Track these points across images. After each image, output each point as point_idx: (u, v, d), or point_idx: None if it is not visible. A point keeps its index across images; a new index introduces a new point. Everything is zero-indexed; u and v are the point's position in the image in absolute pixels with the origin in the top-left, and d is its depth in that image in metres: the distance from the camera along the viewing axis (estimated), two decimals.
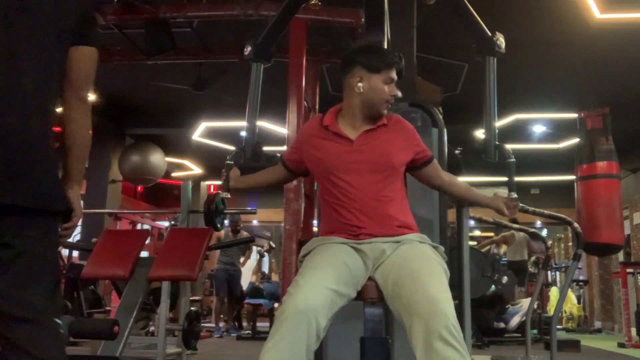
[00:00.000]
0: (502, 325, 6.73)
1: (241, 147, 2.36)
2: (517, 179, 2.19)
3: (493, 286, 6.69)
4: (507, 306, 6.88)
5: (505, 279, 7.02)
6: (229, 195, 2.21)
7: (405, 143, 1.95)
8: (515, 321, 6.60)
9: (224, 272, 7.51)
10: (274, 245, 8.89)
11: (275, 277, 9.48)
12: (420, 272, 1.66)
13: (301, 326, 1.56)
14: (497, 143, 2.20)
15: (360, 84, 1.90)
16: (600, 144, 3.69)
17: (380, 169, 1.89)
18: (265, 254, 9.11)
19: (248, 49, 2.45)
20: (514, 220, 7.00)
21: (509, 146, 2.17)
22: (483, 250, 9.97)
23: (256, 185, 2.25)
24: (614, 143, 3.71)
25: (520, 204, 3.58)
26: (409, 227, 1.89)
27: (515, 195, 2.13)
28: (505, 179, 2.22)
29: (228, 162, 2.24)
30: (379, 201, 1.87)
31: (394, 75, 1.92)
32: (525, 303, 6.57)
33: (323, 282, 1.66)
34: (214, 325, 7.72)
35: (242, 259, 8.11)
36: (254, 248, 8.93)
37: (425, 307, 1.55)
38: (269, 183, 2.20)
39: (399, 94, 2.01)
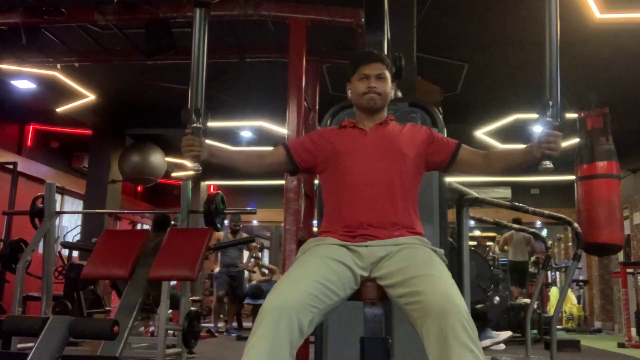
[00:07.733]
0: None
1: (197, 110, 1.94)
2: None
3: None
4: (486, 331, 6.20)
5: (496, 300, 6.53)
6: (200, 168, 1.85)
7: (417, 141, 1.98)
8: (485, 344, 6.21)
9: (225, 274, 7.51)
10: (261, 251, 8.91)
11: (276, 278, 9.50)
12: (428, 272, 1.66)
13: (281, 323, 1.53)
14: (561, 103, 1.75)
15: (349, 91, 2.04)
16: (600, 144, 3.68)
17: (392, 155, 1.92)
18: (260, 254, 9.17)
19: None
20: (517, 221, 6.95)
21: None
22: (496, 253, 9.92)
23: (232, 164, 2.00)
24: (614, 143, 3.70)
25: (520, 204, 3.62)
26: (411, 229, 1.88)
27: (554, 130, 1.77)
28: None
29: (196, 125, 1.87)
30: (386, 193, 1.87)
31: (368, 70, 1.96)
32: (502, 335, 6.30)
33: (307, 278, 1.65)
34: (213, 324, 7.72)
35: (244, 260, 8.12)
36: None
37: (439, 305, 1.54)
38: (257, 167, 2.01)
39: (383, 87, 1.97)
